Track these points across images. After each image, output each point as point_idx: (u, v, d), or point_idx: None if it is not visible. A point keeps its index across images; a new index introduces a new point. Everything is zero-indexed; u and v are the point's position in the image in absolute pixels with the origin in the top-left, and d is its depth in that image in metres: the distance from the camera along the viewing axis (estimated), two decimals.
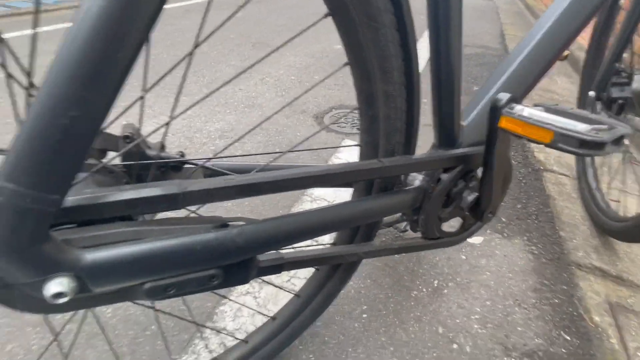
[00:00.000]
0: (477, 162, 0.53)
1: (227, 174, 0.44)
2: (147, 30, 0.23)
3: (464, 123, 0.55)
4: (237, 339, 0.58)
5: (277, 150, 1.33)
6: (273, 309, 0.75)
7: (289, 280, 0.82)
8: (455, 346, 0.71)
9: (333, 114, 1.63)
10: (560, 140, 0.35)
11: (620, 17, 1.16)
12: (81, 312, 0.55)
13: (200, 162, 0.43)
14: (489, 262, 0.90)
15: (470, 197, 0.56)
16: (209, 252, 0.32)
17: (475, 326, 0.75)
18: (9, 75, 0.27)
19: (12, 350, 0.65)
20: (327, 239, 0.91)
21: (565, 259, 0.93)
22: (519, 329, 0.75)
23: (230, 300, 0.67)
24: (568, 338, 0.74)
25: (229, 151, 1.28)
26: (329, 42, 2.75)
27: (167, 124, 0.33)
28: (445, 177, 0.52)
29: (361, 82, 0.43)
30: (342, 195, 1.11)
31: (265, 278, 0.59)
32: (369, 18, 0.36)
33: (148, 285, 0.31)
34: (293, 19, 3.43)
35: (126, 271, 0.29)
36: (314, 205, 1.06)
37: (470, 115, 0.55)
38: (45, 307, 0.30)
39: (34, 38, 0.25)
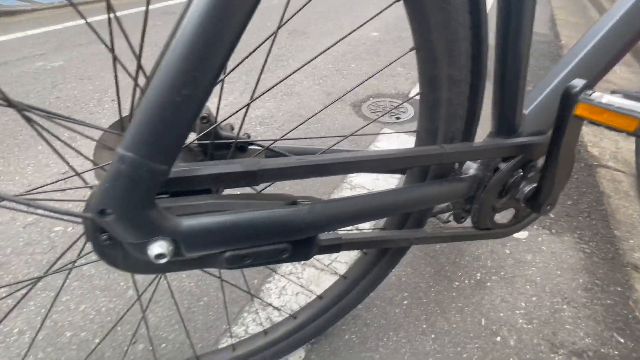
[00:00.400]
0: (538, 151, 0.51)
1: (289, 156, 0.46)
2: (249, 17, 0.25)
3: (525, 111, 0.53)
4: (286, 314, 0.61)
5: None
6: (315, 289, 0.78)
7: (330, 263, 0.85)
8: (498, 339, 0.70)
9: (371, 103, 1.62)
10: None
11: None
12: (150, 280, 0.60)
13: (265, 144, 0.45)
14: (535, 258, 0.87)
15: (528, 188, 0.54)
16: (283, 226, 0.35)
17: (520, 321, 0.73)
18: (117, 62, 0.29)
19: (85, 310, 0.73)
20: (366, 225, 0.92)
21: (620, 259, 0.88)
22: (568, 327, 0.73)
23: (279, 275, 0.70)
24: (622, 340, 0.71)
25: (280, 135, 1.32)
26: (366, 29, 2.69)
27: (247, 105, 0.35)
28: (504, 166, 0.51)
29: (426, 66, 0.42)
30: (381, 184, 1.11)
31: (308, 261, 0.61)
32: (441, 0, 0.36)
33: (229, 254, 0.34)
34: (333, 6, 3.38)
35: (215, 239, 0.32)
36: (354, 192, 1.07)
37: (534, 103, 0.53)
38: (142, 267, 0.33)
39: (144, 22, 0.28)
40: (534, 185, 0.54)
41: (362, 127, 0.46)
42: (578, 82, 0.40)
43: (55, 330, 0.69)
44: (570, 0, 3.80)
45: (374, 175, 1.14)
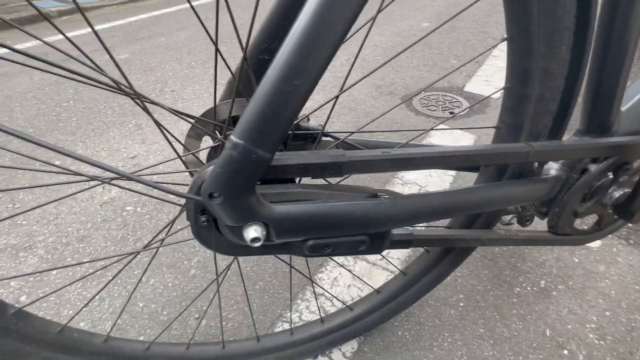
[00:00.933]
0: (637, 153, 0.46)
1: (362, 149, 0.46)
2: (358, 11, 0.25)
3: (622, 108, 0.48)
4: (343, 303, 0.62)
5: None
6: (368, 282, 0.78)
7: (381, 259, 0.84)
8: (565, 352, 0.66)
9: (422, 97, 1.56)
10: None
11: None
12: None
13: (341, 137, 0.45)
14: (609, 269, 0.80)
15: (619, 193, 0.50)
16: (365, 218, 0.35)
17: (591, 335, 0.68)
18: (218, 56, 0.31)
19: (154, 284, 0.79)
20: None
21: None
22: None
23: (331, 266, 0.71)
24: None
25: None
26: (416, 20, 2.60)
27: (336, 97, 0.35)
28: (594, 167, 0.47)
29: (519, 58, 0.40)
30: (434, 180, 1.08)
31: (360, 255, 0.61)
32: None
33: (311, 242, 0.35)
34: None
35: (303, 227, 0.33)
36: (406, 189, 1.05)
37: (633, 99, 0.48)
38: (231, 248, 0.36)
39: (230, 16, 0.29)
40: (627, 190, 0.49)
41: (436, 125, 0.45)
42: None
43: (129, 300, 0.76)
44: None
45: (427, 171, 1.11)
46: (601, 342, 0.67)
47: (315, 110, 0.40)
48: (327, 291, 0.64)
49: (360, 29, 0.30)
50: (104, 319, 0.72)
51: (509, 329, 0.69)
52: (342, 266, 0.67)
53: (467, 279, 0.79)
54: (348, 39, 0.28)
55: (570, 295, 0.75)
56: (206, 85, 1.71)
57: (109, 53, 0.27)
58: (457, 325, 0.70)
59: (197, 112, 1.50)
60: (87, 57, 0.28)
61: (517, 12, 0.36)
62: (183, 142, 0.42)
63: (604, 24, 0.39)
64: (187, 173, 0.45)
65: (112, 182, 0.33)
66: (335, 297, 0.69)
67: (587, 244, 0.86)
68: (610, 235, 0.88)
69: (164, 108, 0.34)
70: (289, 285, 0.78)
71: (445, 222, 0.57)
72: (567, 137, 0.48)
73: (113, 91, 0.30)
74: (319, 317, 0.62)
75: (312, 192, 0.34)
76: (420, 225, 0.44)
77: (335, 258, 0.84)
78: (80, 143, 1.30)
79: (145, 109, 0.33)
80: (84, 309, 0.73)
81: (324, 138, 0.47)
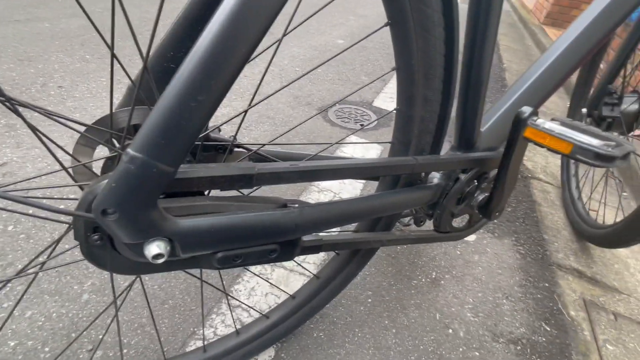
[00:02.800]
0: (491, 165, 0.59)
1: (274, 160, 0.48)
2: (264, 32, 0.27)
3: (482, 129, 0.60)
4: (260, 313, 0.62)
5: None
6: (285, 289, 0.79)
7: (297, 265, 0.87)
8: (450, 331, 0.78)
9: (338, 109, 1.67)
10: (578, 152, 0.41)
11: (614, 44, 1.25)
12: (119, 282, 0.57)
13: (252, 148, 0.46)
14: (481, 258, 0.98)
15: (482, 196, 0.62)
16: (276, 228, 0.36)
17: (468, 314, 0.82)
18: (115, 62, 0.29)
19: (32, 316, 0.67)
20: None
21: (547, 259, 1.02)
22: (506, 318, 0.83)
23: (247, 277, 0.70)
24: (548, 329, 0.82)
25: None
26: (332, 36, 2.76)
27: (245, 111, 0.36)
28: (463, 176, 0.58)
29: (405, 86, 0.47)
30: (348, 188, 1.16)
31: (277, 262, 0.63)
32: (424, 29, 0.41)
33: (221, 254, 0.35)
34: (301, 8, 3.40)
35: (210, 240, 0.33)
36: (322, 195, 1.11)
37: (489, 122, 0.61)
38: (129, 267, 0.33)
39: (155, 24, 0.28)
40: (486, 194, 0.62)
41: (344, 138, 0.49)
42: (527, 109, 0.48)
43: None
44: (512, 28, 4.25)
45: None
46: (475, 319, 0.82)
47: (225, 122, 0.40)
48: (243, 303, 0.63)
49: (266, 49, 0.32)
50: None
51: (408, 318, 0.79)
52: (258, 276, 0.67)
53: (374, 276, 0.87)
54: (253, 59, 0.29)
55: (454, 282, 0.90)
56: (105, 84, 1.52)
57: None
58: (366, 320, 0.77)
59: (94, 113, 1.31)
60: None
61: (401, 48, 0.43)
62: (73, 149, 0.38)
63: (466, 64, 0.49)
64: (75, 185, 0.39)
65: None
66: (252, 308, 0.68)
67: (465, 239, 1.04)
68: (482, 230, 1.08)
69: (42, 113, 0.30)
70: (203, 301, 0.74)
71: (353, 226, 0.62)
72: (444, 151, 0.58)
73: None
74: (229, 331, 0.61)
75: (221, 205, 0.34)
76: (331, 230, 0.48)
77: (252, 268, 0.83)
78: None
79: (15, 110, 0.28)
80: None
81: (236, 149, 0.48)
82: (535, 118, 0.47)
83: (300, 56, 2.24)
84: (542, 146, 0.45)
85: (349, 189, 1.16)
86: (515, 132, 0.49)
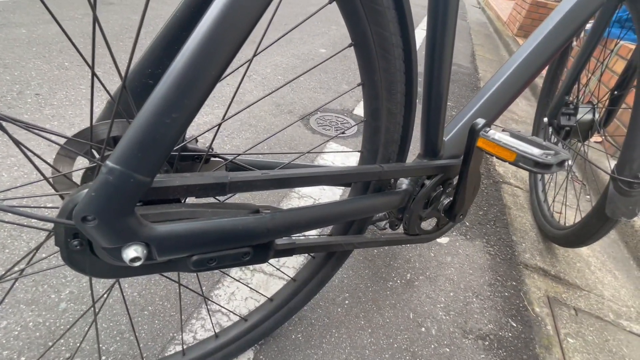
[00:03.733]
0: (454, 171, 0.64)
1: (249, 169, 0.51)
2: (235, 53, 0.30)
3: (445, 138, 0.65)
4: (238, 316, 0.64)
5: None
6: (265, 293, 0.82)
7: (277, 270, 0.89)
8: (423, 329, 0.82)
9: (319, 117, 1.72)
10: (520, 160, 0.46)
11: (574, 53, 1.35)
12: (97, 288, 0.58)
13: (228, 157, 0.49)
14: (453, 260, 1.03)
15: (446, 201, 0.67)
16: (248, 232, 0.39)
17: (440, 313, 0.87)
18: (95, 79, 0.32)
19: (7, 327, 0.66)
20: (313, 232, 0.99)
21: (515, 259, 1.09)
22: (476, 316, 0.88)
23: (228, 282, 0.72)
24: (514, 325, 0.88)
25: (236, 149, 1.32)
26: (314, 45, 2.82)
27: (219, 125, 0.39)
28: (428, 182, 0.62)
29: (370, 100, 0.51)
30: (327, 194, 1.20)
31: (257, 267, 0.65)
32: (384, 50, 0.45)
33: (196, 257, 0.38)
34: (282, 17, 3.46)
35: (185, 244, 0.35)
36: (302, 202, 1.14)
37: (451, 132, 0.66)
38: (108, 271, 0.35)
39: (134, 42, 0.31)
40: (450, 199, 0.67)
41: (320, 145, 0.53)
42: (480, 121, 0.53)
43: None
44: (488, 39, 4.45)
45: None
46: (447, 317, 0.86)
47: (202, 134, 0.43)
48: (223, 307, 0.65)
49: (237, 68, 0.35)
50: None
51: (383, 318, 0.83)
52: (238, 281, 0.69)
53: (352, 279, 0.91)
54: (225, 77, 0.32)
55: (427, 283, 0.94)
56: (84, 92, 1.51)
57: None
58: (343, 321, 0.80)
59: (72, 121, 1.31)
60: None
61: (365, 66, 0.47)
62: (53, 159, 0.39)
63: (427, 80, 0.54)
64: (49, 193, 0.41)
65: None
66: (232, 312, 0.70)
67: (438, 241, 1.09)
68: (455, 233, 1.14)
69: (25, 127, 0.32)
70: (182, 306, 0.76)
71: (328, 229, 0.65)
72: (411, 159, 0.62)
73: None
74: (208, 335, 0.63)
75: (196, 211, 0.37)
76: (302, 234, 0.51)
77: (232, 273, 0.85)
78: None
79: None
80: None
81: (213, 158, 0.50)
82: (487, 129, 0.52)
83: (283, 65, 2.28)
84: (491, 155, 0.50)
85: (329, 194, 1.20)
86: (471, 142, 0.54)
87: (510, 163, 0.47)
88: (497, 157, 0.49)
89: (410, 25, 0.44)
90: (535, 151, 0.45)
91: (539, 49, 0.66)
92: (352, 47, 0.46)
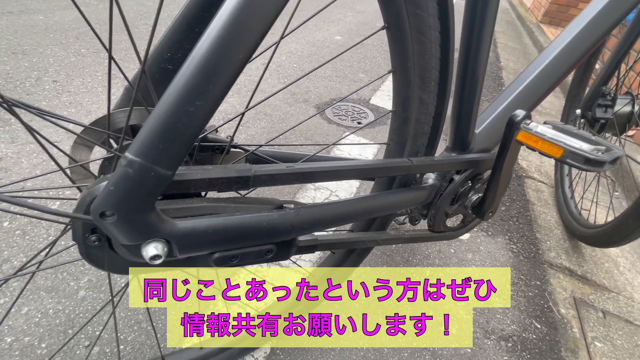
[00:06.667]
0: (486, 166, 0.60)
1: (272, 161, 0.49)
2: (262, 37, 0.27)
3: (476, 131, 0.61)
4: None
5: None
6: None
7: (294, 262, 0.88)
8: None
9: (335, 106, 1.67)
10: (568, 156, 0.42)
11: (609, 44, 1.26)
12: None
13: (249, 149, 0.47)
14: (474, 257, 1.00)
15: (475, 197, 0.63)
16: (271, 228, 0.37)
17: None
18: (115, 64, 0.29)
19: (28, 313, 0.67)
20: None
21: (539, 258, 1.04)
22: (498, 316, 0.85)
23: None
24: (538, 326, 0.84)
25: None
26: (330, 32, 2.75)
27: (242, 114, 0.37)
28: (457, 177, 0.58)
29: (401, 88, 0.48)
30: (344, 186, 1.17)
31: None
32: (419, 33, 0.41)
33: (218, 254, 0.36)
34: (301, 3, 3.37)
35: (207, 241, 0.33)
36: (318, 193, 1.11)
37: (483, 124, 0.62)
38: (127, 267, 0.33)
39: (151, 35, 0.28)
40: (480, 195, 0.63)
41: (342, 138, 0.50)
42: (520, 113, 0.48)
43: None
44: (510, 26, 4.26)
45: None
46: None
47: (223, 124, 0.40)
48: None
49: (264, 51, 0.32)
50: None
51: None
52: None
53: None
54: (252, 60, 0.29)
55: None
56: (100, 79, 1.50)
57: None
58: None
59: (89, 108, 1.30)
60: None
61: (398, 51, 0.44)
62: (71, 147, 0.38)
63: (461, 66, 0.50)
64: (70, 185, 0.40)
65: None
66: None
67: (459, 237, 1.05)
68: (476, 229, 1.10)
69: (40, 115, 0.31)
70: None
71: (348, 226, 0.63)
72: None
73: None
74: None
75: (218, 206, 0.35)
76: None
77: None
78: None
79: (13, 112, 0.28)
80: None
81: (233, 149, 0.48)
82: (528, 121, 0.48)
83: (298, 52, 2.23)
84: (534, 150, 0.46)
85: (345, 186, 1.17)
86: (509, 135, 0.49)
87: (555, 159, 0.43)
88: (540, 152, 0.45)
89: (450, 4, 0.40)
90: (585, 146, 0.41)
91: (581, 35, 0.60)
92: (385, 31, 0.42)
